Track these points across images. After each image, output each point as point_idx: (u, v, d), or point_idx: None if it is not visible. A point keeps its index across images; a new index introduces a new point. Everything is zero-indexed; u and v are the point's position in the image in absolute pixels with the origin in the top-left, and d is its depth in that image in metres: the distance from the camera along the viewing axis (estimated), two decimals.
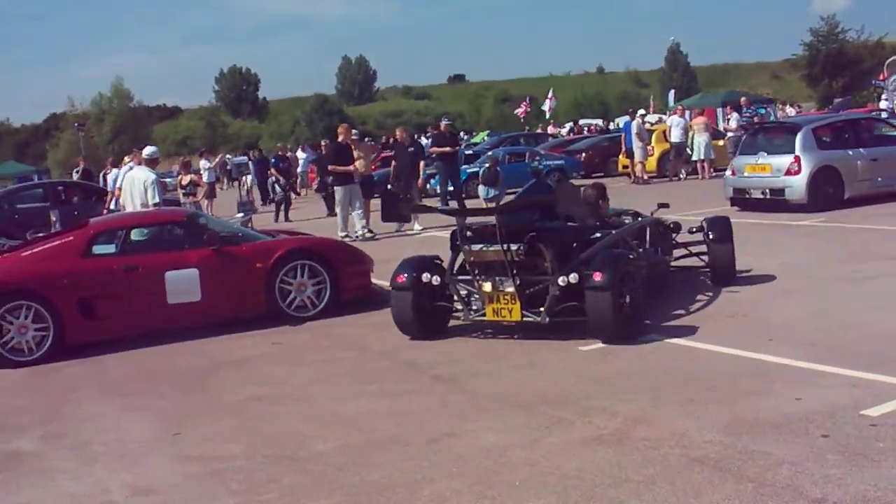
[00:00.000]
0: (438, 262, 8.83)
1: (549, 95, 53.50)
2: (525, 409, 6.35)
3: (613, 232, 8.94)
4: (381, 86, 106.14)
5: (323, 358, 8.47)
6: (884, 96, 38.21)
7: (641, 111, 30.96)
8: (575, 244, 8.45)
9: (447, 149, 20.82)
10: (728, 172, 17.38)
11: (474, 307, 8.43)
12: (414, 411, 6.55)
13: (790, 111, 41.96)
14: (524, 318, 8.08)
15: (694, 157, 25.17)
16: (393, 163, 20.13)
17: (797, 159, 15.56)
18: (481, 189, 21.13)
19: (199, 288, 9.72)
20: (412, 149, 19.56)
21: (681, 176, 25.99)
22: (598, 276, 7.70)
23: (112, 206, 18.49)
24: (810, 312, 8.47)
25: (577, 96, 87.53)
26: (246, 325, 9.88)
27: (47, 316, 9.15)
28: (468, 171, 24.96)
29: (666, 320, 8.60)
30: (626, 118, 49.04)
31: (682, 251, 10.42)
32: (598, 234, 8.73)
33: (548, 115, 54.63)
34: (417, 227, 17.66)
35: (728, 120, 25.29)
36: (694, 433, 5.55)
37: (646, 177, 25.33)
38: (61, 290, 9.29)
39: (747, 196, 16.35)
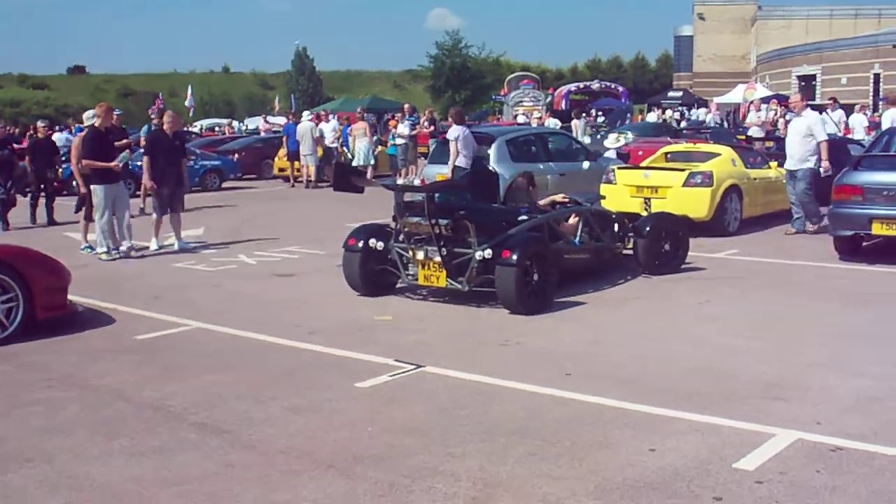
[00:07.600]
0: (389, 230, 9.72)
1: (189, 93, 51.53)
2: (338, 470, 5.13)
3: (538, 217, 9.76)
4: None
5: (38, 398, 6.58)
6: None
7: (307, 113, 29.85)
8: (504, 224, 9.32)
9: None
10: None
11: (410, 272, 9.42)
12: (194, 476, 5.08)
13: None
14: (449, 285, 9.10)
15: (355, 163, 24.59)
16: (145, 158, 13.98)
17: None
18: None
19: None
20: (179, 141, 14.38)
21: None
22: (506, 254, 8.66)
23: None
24: (584, 341, 7.94)
25: (203, 95, 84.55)
26: None
27: None
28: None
29: (425, 348, 7.76)
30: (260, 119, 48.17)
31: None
32: (524, 218, 9.54)
33: (191, 114, 52.69)
34: (154, 244, 13.77)
35: (396, 126, 24.92)
36: (567, 501, 4.68)
37: (313, 179, 24.44)
38: None
39: None
